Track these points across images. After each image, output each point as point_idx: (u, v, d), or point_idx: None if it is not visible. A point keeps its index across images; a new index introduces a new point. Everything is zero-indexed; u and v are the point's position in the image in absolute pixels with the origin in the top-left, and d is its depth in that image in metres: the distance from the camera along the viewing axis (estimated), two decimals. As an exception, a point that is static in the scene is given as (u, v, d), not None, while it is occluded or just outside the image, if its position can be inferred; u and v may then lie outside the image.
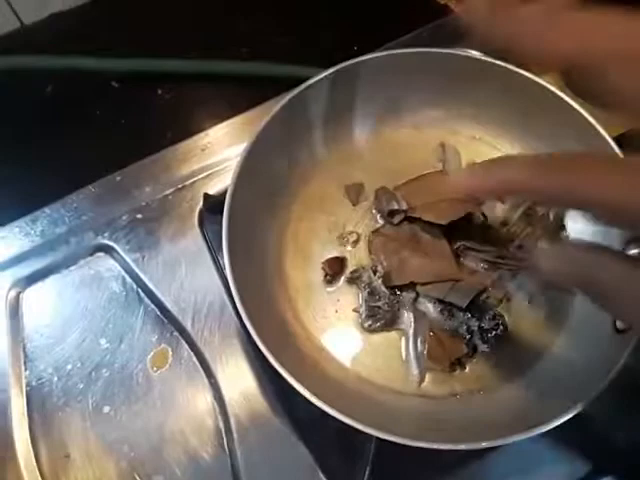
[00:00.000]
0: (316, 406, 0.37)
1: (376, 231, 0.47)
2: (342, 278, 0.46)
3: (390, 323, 0.44)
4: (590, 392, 0.37)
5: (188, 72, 0.61)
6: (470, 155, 0.50)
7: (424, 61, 0.48)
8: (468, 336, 0.43)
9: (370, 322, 0.44)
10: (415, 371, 0.43)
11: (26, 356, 0.47)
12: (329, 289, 0.46)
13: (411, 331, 0.44)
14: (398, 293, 0.45)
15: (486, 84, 0.48)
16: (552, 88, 0.46)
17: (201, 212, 0.52)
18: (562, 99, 0.46)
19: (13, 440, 0.45)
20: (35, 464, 0.44)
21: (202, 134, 0.56)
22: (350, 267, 0.47)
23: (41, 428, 0.45)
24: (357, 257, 0.47)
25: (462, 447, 0.36)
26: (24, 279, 0.50)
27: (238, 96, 0.58)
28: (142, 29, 0.64)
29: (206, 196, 0.50)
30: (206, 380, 0.47)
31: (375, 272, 0.46)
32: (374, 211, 0.48)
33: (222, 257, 0.46)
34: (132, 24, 0.65)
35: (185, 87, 0.61)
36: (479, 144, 0.51)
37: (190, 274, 0.50)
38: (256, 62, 0.61)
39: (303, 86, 0.46)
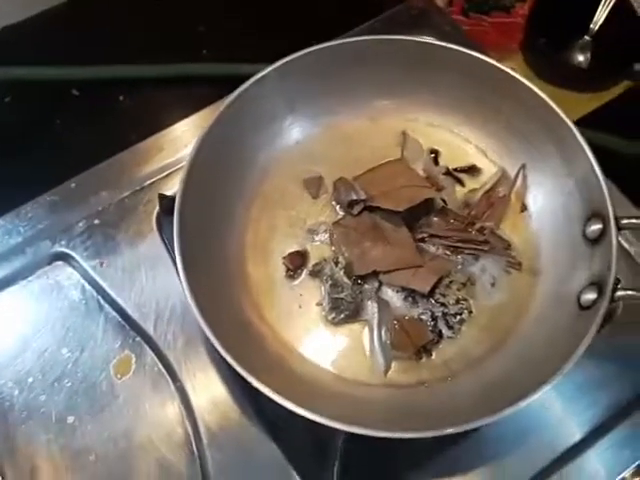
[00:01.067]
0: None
1: (337, 223, 0.47)
2: (304, 272, 0.46)
3: (354, 314, 0.44)
4: (557, 371, 0.37)
5: (148, 77, 0.61)
6: (430, 142, 0.50)
7: (377, 49, 0.48)
8: (432, 322, 0.43)
9: (334, 314, 0.44)
10: (381, 361, 0.42)
11: (-16, 371, 0.46)
12: (292, 284, 0.45)
13: (375, 321, 0.43)
14: (361, 283, 0.45)
15: (443, 70, 0.48)
16: (509, 71, 0.46)
17: (159, 214, 0.51)
18: (520, 82, 0.46)
19: (-26, 458, 0.43)
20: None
21: (158, 135, 0.55)
22: (312, 261, 0.46)
23: (4, 443, 0.44)
24: (319, 250, 0.47)
25: (428, 434, 0.35)
26: (-20, 293, 0.49)
27: (201, 97, 0.57)
28: (100, 37, 0.63)
29: (161, 197, 0.49)
30: (172, 385, 0.46)
31: (337, 264, 0.45)
32: (334, 203, 0.48)
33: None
34: (88, 32, 0.64)
35: (146, 92, 0.61)
36: (437, 130, 0.50)
37: (150, 278, 0.49)
38: (215, 63, 0.60)
39: (250, 80, 0.45)
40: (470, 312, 0.44)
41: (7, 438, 0.44)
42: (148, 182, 0.52)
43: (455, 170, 0.49)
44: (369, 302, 0.44)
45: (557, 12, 0.64)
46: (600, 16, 0.59)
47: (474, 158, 0.49)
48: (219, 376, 0.45)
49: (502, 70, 0.46)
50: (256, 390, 0.37)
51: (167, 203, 0.48)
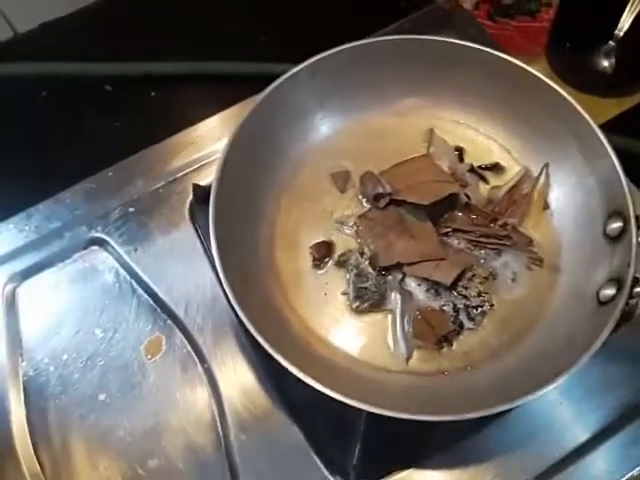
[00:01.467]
0: (308, 387, 0.38)
1: (363, 215, 0.48)
2: (330, 262, 0.47)
3: (378, 304, 0.45)
4: (574, 363, 0.38)
5: (179, 74, 0.62)
6: (455, 140, 0.51)
7: (405, 48, 0.49)
8: (454, 314, 0.44)
9: (358, 303, 0.45)
10: (403, 349, 0.44)
11: (22, 347, 0.48)
12: (318, 273, 0.47)
13: (398, 310, 0.44)
14: (385, 274, 0.46)
15: (468, 69, 0.49)
16: (534, 72, 0.47)
17: (191, 204, 0.52)
18: (544, 83, 0.47)
19: (11, 429, 0.45)
20: (33, 452, 0.45)
21: (190, 129, 0.57)
22: (338, 251, 0.47)
23: (39, 416, 0.46)
24: (345, 241, 0.48)
25: (445, 418, 0.37)
26: (20, 274, 0.51)
27: (229, 94, 0.59)
28: (131, 34, 0.66)
29: (195, 187, 0.51)
30: (200, 367, 0.47)
31: (362, 254, 0.46)
32: (360, 196, 0.49)
33: (212, 248, 0.48)
34: (121, 30, 0.66)
35: (177, 88, 0.62)
36: (463, 128, 0.52)
37: (182, 264, 0.50)
38: (248, 62, 0.62)
39: (283, 77, 0.47)
40: (491, 305, 0.45)
41: (42, 411, 0.47)
42: (181, 174, 0.54)
43: (479, 167, 0.50)
44: (393, 292, 0.45)
45: (582, 17, 0.64)
46: (625, 22, 0.60)
47: (498, 156, 0.50)
48: (246, 360, 0.47)
49: (527, 71, 0.47)
50: (282, 374, 0.39)
51: (201, 193, 0.50)
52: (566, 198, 0.47)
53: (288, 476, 0.44)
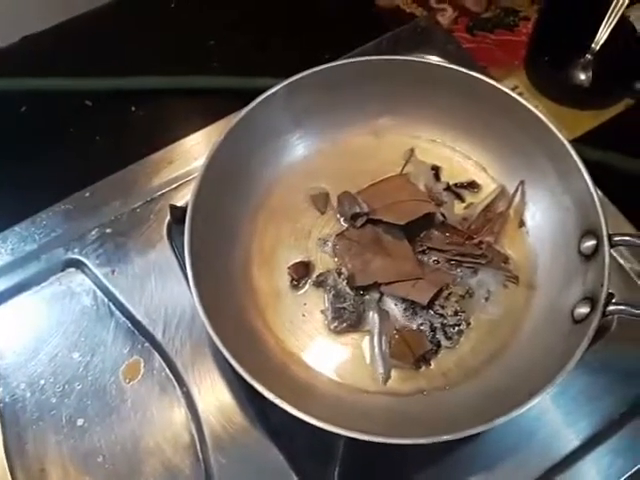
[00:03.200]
0: (286, 411, 0.38)
1: (340, 234, 0.48)
2: (308, 282, 0.47)
3: (356, 324, 0.45)
4: (550, 382, 0.38)
5: (161, 88, 0.62)
6: (431, 158, 0.52)
7: (381, 69, 0.49)
8: (431, 333, 0.44)
9: (336, 323, 0.45)
10: (381, 369, 0.44)
11: (-2, 373, 0.48)
12: (296, 293, 0.47)
13: (376, 331, 0.45)
14: (363, 294, 0.46)
15: (444, 89, 0.49)
16: (508, 91, 0.48)
17: (169, 224, 0.52)
18: (517, 101, 0.47)
19: (-13, 457, 0.45)
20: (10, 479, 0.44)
21: (169, 147, 0.57)
22: (316, 271, 0.47)
23: (16, 443, 0.46)
24: (323, 261, 0.48)
25: (425, 441, 0.37)
26: (-4, 297, 0.50)
27: (211, 109, 0.59)
28: (114, 48, 0.65)
29: (172, 207, 0.51)
30: (178, 390, 0.47)
31: (340, 274, 0.47)
32: (338, 215, 0.49)
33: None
34: (103, 44, 0.66)
35: (158, 103, 0.62)
36: (439, 147, 0.52)
37: (160, 286, 0.50)
38: (226, 76, 0.62)
39: (260, 98, 0.47)
40: (468, 324, 0.45)
41: (18, 438, 0.46)
42: (159, 193, 0.54)
43: (455, 186, 0.50)
44: (370, 312, 0.45)
45: (559, 31, 0.65)
46: (602, 36, 0.60)
47: (474, 174, 0.51)
48: (224, 382, 0.47)
49: (500, 89, 0.47)
50: (260, 396, 0.38)
51: (178, 213, 0.50)
52: (541, 216, 0.48)
53: (269, 498, 0.44)
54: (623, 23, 0.61)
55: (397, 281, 0.45)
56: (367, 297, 0.46)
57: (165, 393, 0.47)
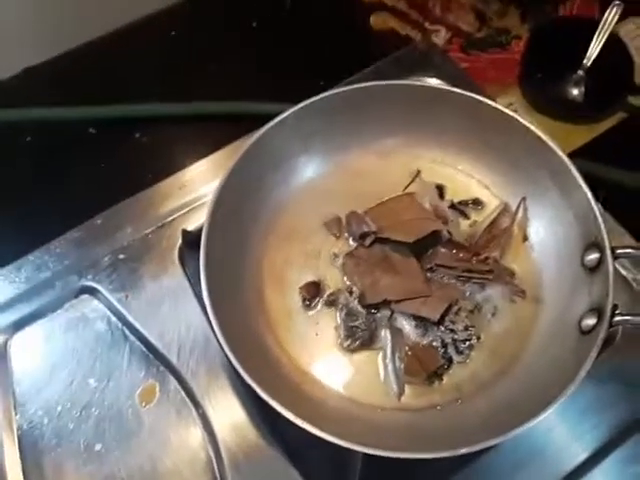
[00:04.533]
0: (302, 429, 0.38)
1: (349, 254, 0.49)
2: (320, 302, 0.48)
3: (368, 342, 0.46)
4: (561, 393, 0.39)
5: (163, 114, 0.64)
6: (435, 178, 0.53)
7: (384, 93, 0.51)
8: (443, 348, 0.45)
9: (349, 342, 0.46)
10: (394, 386, 0.44)
11: (16, 400, 0.48)
12: (309, 313, 0.48)
13: (389, 348, 0.45)
14: (374, 312, 0.47)
15: (445, 110, 0.51)
16: (507, 111, 0.49)
17: (181, 249, 0.53)
18: (516, 120, 0.48)
19: (7, 484, 0.45)
20: (30, 506, 0.45)
21: (179, 173, 0.58)
22: (327, 290, 0.48)
23: (34, 470, 0.46)
24: (334, 280, 0.49)
25: (440, 455, 0.37)
26: (11, 325, 0.51)
27: (214, 135, 0.60)
28: (115, 76, 0.67)
29: (184, 232, 0.52)
30: (194, 412, 0.48)
31: (351, 293, 0.48)
32: (346, 235, 0.50)
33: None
34: (104, 72, 0.67)
35: (161, 129, 0.63)
36: (442, 166, 0.53)
37: (173, 309, 0.51)
38: (230, 101, 0.63)
39: (271, 123, 0.48)
40: (478, 338, 0.46)
41: (37, 465, 0.46)
42: (170, 218, 0.55)
43: (460, 204, 0.52)
44: (382, 330, 0.46)
45: (551, 48, 0.67)
46: (593, 51, 0.62)
47: (477, 192, 0.52)
48: (240, 402, 0.47)
49: (499, 110, 0.49)
50: (276, 415, 0.39)
51: (190, 238, 0.51)
52: (545, 231, 0.49)
53: (285, 517, 0.44)
54: (614, 38, 0.63)
55: (406, 298, 0.46)
56: (378, 315, 0.47)
57: (181, 415, 0.48)
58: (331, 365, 0.46)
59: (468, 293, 0.47)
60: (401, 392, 0.44)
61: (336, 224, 0.51)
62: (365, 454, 0.39)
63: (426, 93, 0.50)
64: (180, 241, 0.53)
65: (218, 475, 0.45)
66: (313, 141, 0.52)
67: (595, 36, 0.62)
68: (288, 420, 0.39)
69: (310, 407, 0.43)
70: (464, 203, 0.52)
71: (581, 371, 0.39)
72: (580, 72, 0.63)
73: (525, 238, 0.49)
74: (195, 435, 0.47)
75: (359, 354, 0.46)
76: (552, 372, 0.42)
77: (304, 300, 0.48)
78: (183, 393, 0.48)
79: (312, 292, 0.48)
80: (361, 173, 0.53)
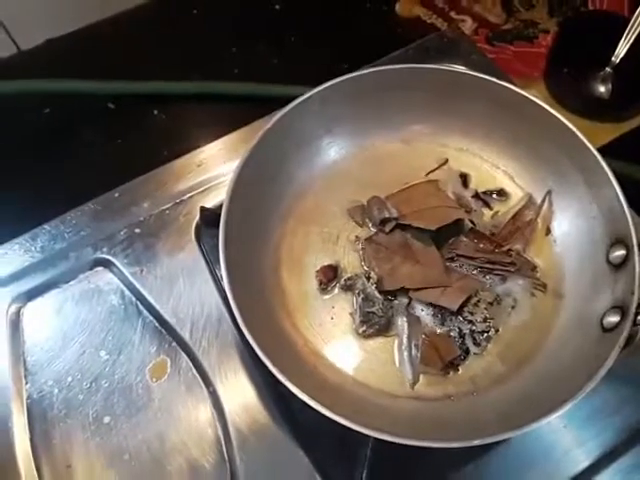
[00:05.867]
0: (314, 412, 0.38)
1: (369, 239, 0.49)
2: (337, 286, 0.47)
3: (385, 328, 0.45)
4: (578, 390, 0.38)
5: (182, 93, 0.63)
6: (459, 166, 0.52)
7: (412, 77, 0.50)
8: (460, 339, 0.45)
9: (365, 327, 0.45)
10: (409, 374, 0.44)
11: (27, 370, 0.48)
12: (325, 297, 0.47)
13: (405, 335, 0.45)
14: (391, 299, 0.46)
15: (473, 98, 0.50)
16: (535, 100, 0.48)
17: (198, 226, 0.53)
18: (545, 110, 0.48)
19: (14, 452, 0.45)
20: (37, 476, 0.45)
21: (197, 151, 0.57)
22: (345, 275, 0.48)
23: (42, 440, 0.46)
24: (351, 265, 0.48)
25: (452, 445, 0.37)
26: (24, 294, 0.51)
27: (231, 115, 0.60)
28: (136, 52, 0.66)
29: (202, 209, 0.51)
30: (205, 389, 0.47)
31: (369, 278, 0.47)
32: (367, 220, 0.49)
33: (219, 270, 0.47)
34: (126, 48, 0.67)
35: (179, 107, 0.63)
36: (467, 155, 0.53)
37: (188, 286, 0.51)
38: (248, 82, 0.63)
39: (294, 103, 0.47)
40: (497, 330, 0.45)
41: (45, 435, 0.46)
42: (187, 196, 0.55)
43: (484, 194, 0.51)
44: (399, 317, 0.46)
45: (579, 44, 0.66)
46: (622, 49, 0.61)
47: (502, 183, 0.51)
48: (251, 383, 0.47)
49: (529, 99, 0.48)
50: (287, 397, 0.39)
51: (207, 215, 0.50)
52: (569, 225, 0.48)
53: (293, 500, 0.44)
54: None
55: (426, 287, 0.45)
56: (396, 302, 0.46)
57: (191, 392, 0.47)
58: (346, 350, 0.46)
59: (488, 285, 0.47)
60: (415, 381, 0.44)
61: (360, 211, 0.50)
62: (375, 440, 0.39)
63: (455, 79, 0.49)
64: (197, 218, 0.53)
65: (226, 454, 0.45)
66: (336, 123, 0.51)
67: (625, 34, 0.60)
68: (301, 401, 0.38)
69: (323, 389, 0.42)
70: (488, 193, 0.51)
71: (602, 369, 0.39)
72: (608, 69, 0.62)
73: (548, 231, 0.49)
74: (204, 413, 0.47)
75: (374, 340, 0.46)
76: (570, 369, 0.41)
77: (320, 283, 0.47)
78: (194, 370, 0.48)
79: (329, 275, 0.47)
80: (385, 158, 0.52)
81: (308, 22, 0.70)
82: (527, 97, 0.48)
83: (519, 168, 0.51)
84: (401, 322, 0.45)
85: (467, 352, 0.45)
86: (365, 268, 0.48)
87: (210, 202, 0.54)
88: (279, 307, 0.47)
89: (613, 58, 0.62)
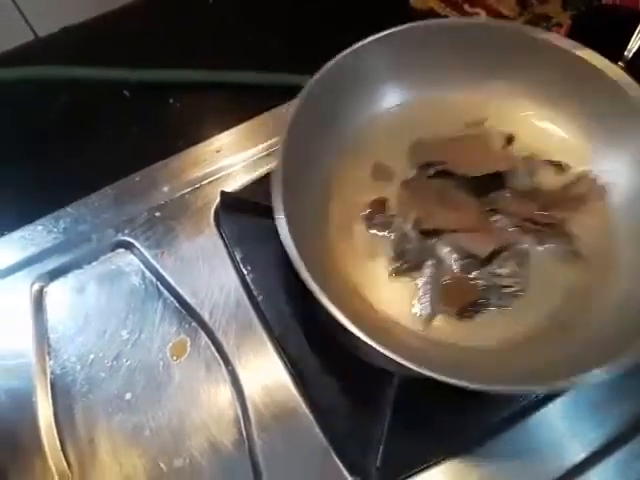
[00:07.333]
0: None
1: (408, 182, 0.48)
2: (379, 221, 0.47)
3: (415, 267, 0.45)
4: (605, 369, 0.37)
5: (198, 81, 0.63)
6: (514, 127, 0.51)
7: (474, 33, 0.49)
8: (485, 289, 0.44)
9: (398, 264, 0.45)
10: (427, 309, 0.44)
11: (50, 346, 0.49)
12: (367, 231, 0.47)
13: (431, 274, 0.45)
14: (425, 239, 0.46)
15: (535, 60, 0.49)
16: (607, 71, 0.47)
17: (217, 211, 0.54)
18: (616, 82, 0.47)
19: (39, 427, 0.46)
20: (60, 450, 0.45)
21: (214, 138, 0.58)
22: (389, 212, 0.48)
23: (66, 415, 0.46)
24: (394, 204, 0.49)
25: (478, 388, 0.36)
26: (47, 274, 0.52)
27: (246, 104, 0.61)
28: (151, 41, 0.67)
29: (223, 193, 0.52)
30: (224, 368, 0.48)
31: (407, 218, 0.47)
32: (410, 162, 0.49)
33: (238, 253, 0.49)
34: (141, 36, 0.68)
35: (195, 96, 0.63)
36: (525, 118, 0.51)
37: (207, 269, 0.51)
38: (267, 72, 0.63)
39: (350, 49, 0.48)
40: (523, 289, 0.44)
41: (69, 409, 0.47)
42: (206, 181, 0.55)
43: (536, 158, 0.49)
44: (430, 259, 0.45)
45: (592, 37, 0.66)
46: (634, 44, 0.61)
47: (558, 151, 0.50)
48: (269, 362, 0.47)
49: (600, 70, 0.47)
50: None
51: (228, 199, 0.51)
52: (625, 202, 0.46)
53: (310, 477, 0.44)
54: (656, 32, 0.62)
55: (460, 230, 0.45)
56: (429, 243, 0.46)
57: (211, 371, 0.48)
58: (378, 284, 0.45)
59: (525, 245, 0.45)
60: (431, 319, 0.43)
61: (387, 172, 0.50)
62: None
63: (522, 39, 0.48)
64: (216, 203, 0.54)
65: (245, 433, 0.45)
66: (393, 73, 0.51)
67: (638, 28, 0.61)
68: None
69: (357, 318, 0.39)
70: (545, 161, 0.49)
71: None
72: (620, 64, 0.63)
73: (600, 205, 0.47)
74: (224, 392, 0.47)
75: (404, 277, 0.45)
76: (596, 345, 0.40)
77: (366, 218, 0.48)
78: (214, 349, 0.48)
79: (375, 209, 0.48)
80: (444, 110, 0.51)
81: (320, 13, 0.70)
82: (597, 67, 0.47)
83: (582, 140, 0.49)
84: (431, 262, 0.45)
85: (488, 304, 0.44)
86: (405, 208, 0.48)
87: (229, 187, 0.54)
88: (324, 237, 0.47)
89: (626, 53, 0.62)
